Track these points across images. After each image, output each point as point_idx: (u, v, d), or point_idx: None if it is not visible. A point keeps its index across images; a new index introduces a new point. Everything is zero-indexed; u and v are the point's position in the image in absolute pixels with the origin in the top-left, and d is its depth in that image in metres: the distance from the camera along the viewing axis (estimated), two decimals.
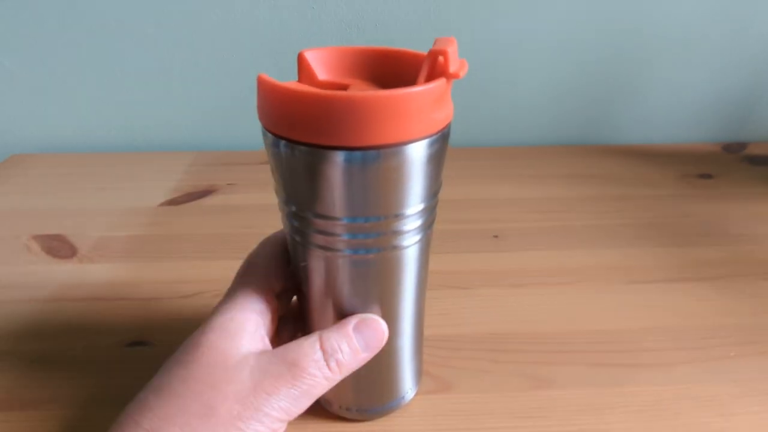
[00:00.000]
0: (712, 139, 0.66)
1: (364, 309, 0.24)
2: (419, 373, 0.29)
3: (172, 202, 0.51)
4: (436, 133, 0.20)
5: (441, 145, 0.21)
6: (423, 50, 0.22)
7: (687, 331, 0.34)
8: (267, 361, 0.22)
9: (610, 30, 0.59)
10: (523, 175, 0.56)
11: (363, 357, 0.23)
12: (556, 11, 0.58)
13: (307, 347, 0.22)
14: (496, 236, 0.45)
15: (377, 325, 0.23)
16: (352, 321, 0.23)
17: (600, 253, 0.43)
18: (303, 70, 0.23)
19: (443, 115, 0.21)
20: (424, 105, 0.19)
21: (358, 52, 0.24)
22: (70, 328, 0.35)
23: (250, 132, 0.64)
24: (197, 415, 0.20)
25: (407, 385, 0.28)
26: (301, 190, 0.21)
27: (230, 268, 0.26)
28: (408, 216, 0.21)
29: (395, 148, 0.19)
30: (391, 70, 0.24)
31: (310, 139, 0.19)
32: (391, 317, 0.24)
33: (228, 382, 0.21)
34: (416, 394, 0.29)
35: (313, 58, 0.23)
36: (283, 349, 0.22)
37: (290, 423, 0.22)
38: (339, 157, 0.19)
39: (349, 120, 0.18)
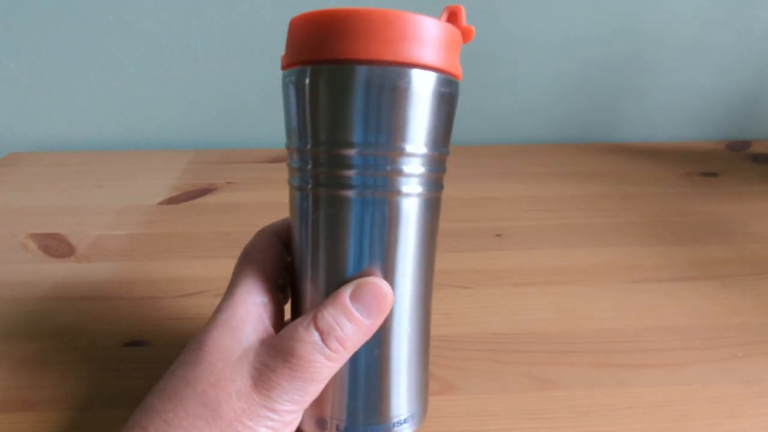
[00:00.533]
0: (716, 138, 0.65)
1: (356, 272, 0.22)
2: (419, 401, 0.25)
3: (172, 200, 0.51)
4: (447, 74, 0.21)
5: (449, 91, 0.22)
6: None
7: (693, 330, 0.34)
8: (265, 353, 0.21)
9: (614, 28, 0.59)
10: (526, 174, 0.56)
11: (368, 325, 0.21)
12: (561, 10, 0.58)
13: (302, 331, 0.21)
14: (499, 235, 0.45)
15: (376, 286, 0.21)
16: (347, 289, 0.21)
17: (604, 252, 0.42)
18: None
19: (454, 63, 0.22)
20: (438, 37, 0.21)
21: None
22: (67, 328, 0.34)
23: (249, 130, 0.64)
24: (202, 416, 0.20)
25: (400, 406, 0.24)
26: (319, 118, 0.21)
27: (229, 266, 0.26)
28: (410, 154, 0.21)
29: (410, 68, 0.20)
30: None
31: (337, 56, 0.20)
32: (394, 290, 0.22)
33: (230, 380, 0.20)
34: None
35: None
36: (279, 336, 0.21)
37: None
38: (360, 72, 0.20)
39: (373, 32, 0.20)
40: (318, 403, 0.23)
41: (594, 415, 0.28)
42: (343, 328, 0.21)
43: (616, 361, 0.31)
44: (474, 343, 0.33)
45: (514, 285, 0.38)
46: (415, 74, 0.20)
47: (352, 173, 0.21)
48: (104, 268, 0.41)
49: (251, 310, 0.22)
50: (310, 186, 0.22)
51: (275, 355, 0.21)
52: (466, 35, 0.22)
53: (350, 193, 0.21)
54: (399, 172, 0.21)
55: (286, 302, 0.27)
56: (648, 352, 0.32)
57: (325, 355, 0.20)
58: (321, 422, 0.23)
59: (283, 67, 0.23)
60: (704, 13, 0.58)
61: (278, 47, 0.62)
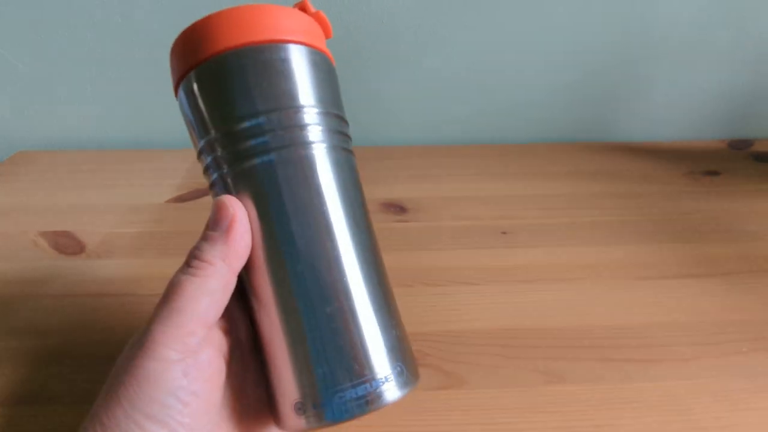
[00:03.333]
0: (718, 137, 0.66)
1: (298, 234, 0.22)
2: (399, 352, 0.22)
3: (179, 198, 0.51)
4: (305, 45, 0.24)
5: (314, 58, 0.24)
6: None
7: (698, 326, 0.34)
8: None
9: (616, 28, 0.59)
10: (530, 173, 0.56)
11: (222, 238, 0.22)
12: (562, 9, 0.58)
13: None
14: (504, 233, 0.45)
15: (214, 203, 0.23)
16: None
17: (608, 250, 0.43)
18: None
19: (309, 36, 0.25)
20: (281, 16, 0.24)
21: None
22: (78, 324, 0.35)
23: None
24: (110, 376, 0.21)
25: (375, 357, 0.21)
26: (212, 107, 0.23)
27: None
28: (302, 110, 0.23)
29: (270, 44, 0.23)
30: None
31: (208, 52, 0.23)
32: (315, 240, 0.22)
33: (132, 338, 0.21)
34: (415, 389, 0.23)
35: None
36: None
37: None
38: (239, 55, 0.23)
39: (226, 26, 0.23)
40: (288, 387, 0.22)
41: (601, 409, 0.28)
42: (200, 247, 0.22)
43: (622, 357, 0.32)
44: (482, 339, 0.33)
45: (521, 282, 0.39)
46: (275, 47, 0.23)
47: (253, 141, 0.22)
48: (114, 265, 0.41)
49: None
50: (225, 170, 0.23)
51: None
52: (320, 21, 0.26)
53: (258, 160, 0.22)
54: (294, 127, 0.23)
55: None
56: (653, 348, 0.33)
57: (186, 272, 0.21)
58: (297, 405, 0.21)
59: (176, 92, 0.25)
60: (705, 12, 0.59)
61: None
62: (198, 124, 0.24)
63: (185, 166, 0.57)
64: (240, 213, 0.22)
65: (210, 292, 0.21)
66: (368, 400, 0.21)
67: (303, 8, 0.26)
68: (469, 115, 0.64)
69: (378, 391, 0.21)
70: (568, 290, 0.38)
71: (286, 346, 0.22)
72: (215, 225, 0.22)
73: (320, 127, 0.23)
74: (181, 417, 0.20)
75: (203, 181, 0.56)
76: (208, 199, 0.50)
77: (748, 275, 0.40)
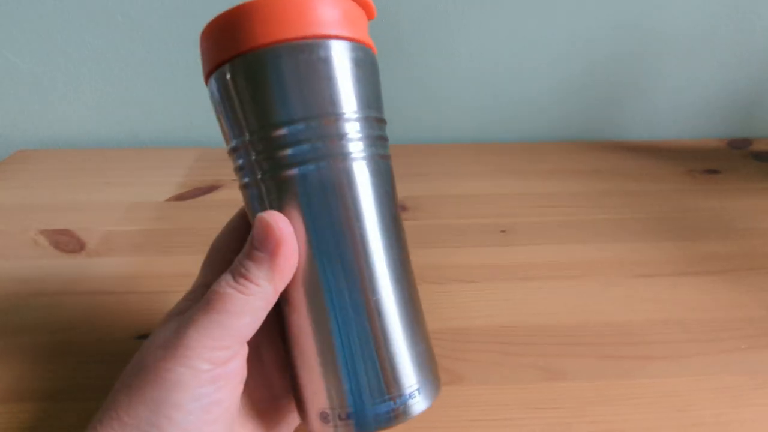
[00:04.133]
0: (718, 136, 0.66)
1: (332, 253, 0.22)
2: (425, 368, 0.23)
3: (179, 197, 0.51)
4: (354, 41, 0.22)
5: (359, 55, 0.22)
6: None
7: (697, 323, 0.34)
8: (194, 307, 0.21)
9: (617, 27, 0.59)
10: (531, 171, 0.56)
11: (268, 260, 0.21)
12: (563, 8, 0.58)
13: (222, 275, 0.22)
14: (503, 231, 0.45)
15: (262, 219, 0.21)
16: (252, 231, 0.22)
17: (607, 248, 0.43)
18: None
19: (357, 31, 0.23)
20: (338, 9, 0.22)
21: None
22: (80, 321, 0.35)
23: None
24: (132, 373, 0.20)
25: (404, 377, 0.22)
26: (246, 108, 0.22)
27: None
28: (343, 119, 0.22)
29: (316, 40, 0.21)
30: None
31: (246, 47, 0.21)
32: (352, 262, 0.22)
33: (160, 335, 0.21)
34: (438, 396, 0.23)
35: None
36: None
37: None
38: (270, 53, 0.21)
39: (271, 17, 0.21)
40: (316, 396, 0.22)
41: (600, 406, 0.28)
42: (245, 265, 0.21)
43: (621, 353, 0.32)
44: (481, 336, 0.33)
45: (520, 279, 0.39)
46: (320, 43, 0.21)
47: (291, 150, 0.21)
48: (114, 263, 0.41)
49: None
50: (258, 176, 0.22)
51: (201, 301, 0.21)
52: (366, 8, 0.24)
53: (295, 171, 0.21)
54: (336, 137, 0.22)
55: None
56: (653, 345, 0.33)
57: (233, 287, 0.21)
58: (323, 416, 0.22)
59: (206, 80, 0.23)
60: (706, 11, 0.59)
61: None
62: (231, 123, 0.22)
63: (185, 165, 0.57)
64: (287, 233, 0.21)
65: (253, 311, 0.21)
66: (395, 415, 0.22)
67: None
68: (469, 114, 0.64)
69: (405, 406, 0.22)
70: (568, 288, 0.38)
71: (316, 358, 0.22)
72: (261, 245, 0.21)
73: (361, 134, 0.22)
74: (201, 423, 0.20)
75: (203, 180, 0.56)
76: (209, 198, 0.51)
77: (747, 273, 0.40)
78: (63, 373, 0.31)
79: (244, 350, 0.22)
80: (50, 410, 0.28)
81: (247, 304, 0.21)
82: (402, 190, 0.52)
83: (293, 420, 0.26)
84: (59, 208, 0.49)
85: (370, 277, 0.22)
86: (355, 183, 0.22)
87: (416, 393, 0.22)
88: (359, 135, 0.22)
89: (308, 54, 0.21)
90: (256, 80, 0.21)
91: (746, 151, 0.61)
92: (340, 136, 0.22)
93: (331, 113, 0.21)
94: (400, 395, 0.22)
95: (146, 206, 0.49)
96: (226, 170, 0.56)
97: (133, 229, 0.46)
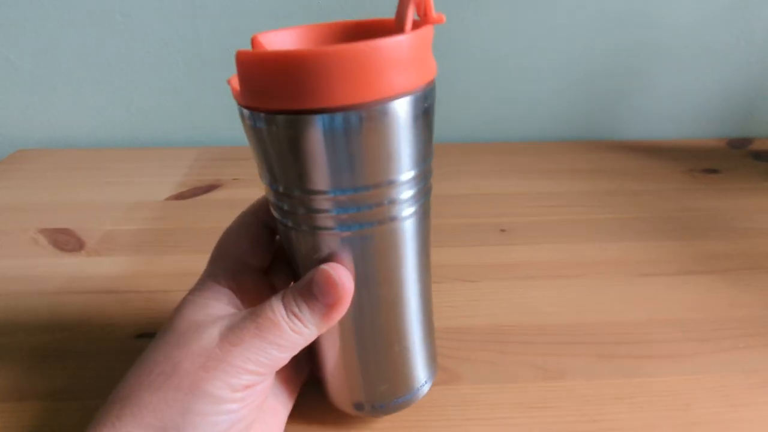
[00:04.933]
0: (717, 135, 0.66)
1: (364, 293, 0.22)
2: (433, 364, 0.27)
3: (179, 196, 0.51)
4: (425, 86, 0.19)
5: (430, 101, 0.20)
6: None
7: (695, 323, 0.34)
8: (236, 318, 0.22)
9: (616, 26, 0.59)
10: (529, 171, 0.56)
11: (321, 307, 0.22)
12: (563, 7, 0.58)
13: (273, 300, 0.22)
14: (503, 230, 0.45)
15: (326, 273, 0.21)
16: (310, 275, 0.22)
17: (607, 247, 0.43)
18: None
19: (429, 66, 0.20)
20: (412, 54, 0.18)
21: (319, 30, 0.23)
22: (80, 320, 0.35)
23: None
24: (164, 373, 0.20)
25: (421, 376, 0.26)
26: (285, 166, 0.19)
27: None
28: (399, 184, 0.20)
29: (381, 105, 0.18)
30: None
31: (290, 106, 0.18)
32: (395, 298, 0.23)
33: (196, 340, 0.21)
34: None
35: (269, 41, 0.22)
36: (254, 307, 0.22)
37: (301, 421, 0.22)
38: (320, 121, 0.18)
39: (335, 76, 0.17)
40: (353, 391, 0.26)
41: (598, 404, 0.29)
42: (299, 305, 0.22)
43: (619, 353, 0.32)
44: (479, 335, 0.33)
45: (519, 279, 0.39)
46: (387, 108, 0.18)
47: (334, 220, 0.20)
48: (114, 262, 0.41)
49: (221, 291, 0.23)
50: (290, 224, 0.22)
51: (247, 317, 0.21)
52: (441, 17, 0.19)
53: (336, 235, 0.21)
54: (386, 204, 0.20)
55: (281, 284, 0.27)
56: (651, 344, 0.33)
57: (287, 323, 0.21)
58: (358, 405, 0.26)
59: (238, 101, 0.20)
60: (706, 12, 0.59)
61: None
62: (275, 169, 0.20)
63: (185, 164, 0.58)
64: (348, 291, 0.22)
65: (295, 348, 0.22)
66: (409, 401, 0.27)
67: (425, 17, 0.19)
68: (468, 114, 0.64)
69: (417, 395, 0.27)
70: (567, 287, 0.38)
71: (356, 366, 0.25)
72: (321, 296, 0.22)
73: (411, 193, 0.21)
74: None
75: (203, 179, 0.56)
76: (208, 197, 0.51)
77: (746, 272, 0.40)
78: (64, 371, 0.31)
79: (273, 375, 0.23)
80: (51, 409, 0.29)
81: (293, 341, 0.22)
82: None
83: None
84: (59, 207, 0.49)
85: (408, 308, 0.24)
86: (398, 242, 0.22)
87: (425, 384, 0.27)
88: (410, 194, 0.21)
89: (363, 122, 0.18)
90: (298, 144, 0.18)
91: (746, 150, 0.61)
92: (389, 203, 0.20)
93: (383, 183, 0.20)
94: (416, 388, 0.26)
95: (146, 205, 0.49)
96: (225, 170, 0.56)
97: (132, 229, 0.46)
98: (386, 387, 0.26)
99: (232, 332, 0.21)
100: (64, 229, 0.45)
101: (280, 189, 0.20)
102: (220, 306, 0.23)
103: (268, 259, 0.26)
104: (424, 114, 0.20)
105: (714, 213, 0.48)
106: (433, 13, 0.19)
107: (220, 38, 0.59)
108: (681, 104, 0.64)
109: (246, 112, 0.19)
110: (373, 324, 0.24)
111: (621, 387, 0.30)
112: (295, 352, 0.22)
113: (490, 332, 0.34)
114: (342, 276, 0.21)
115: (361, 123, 0.18)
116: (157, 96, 0.62)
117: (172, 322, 0.22)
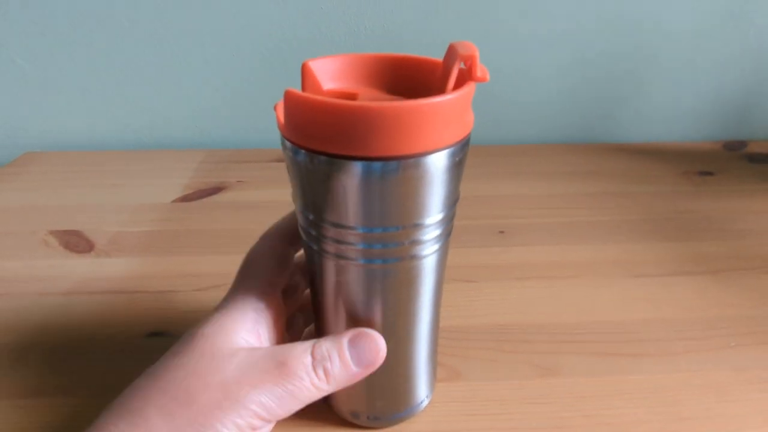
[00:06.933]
0: (713, 138, 0.67)
1: (378, 319, 0.23)
2: (433, 380, 0.29)
3: (185, 198, 0.52)
4: (461, 141, 0.20)
5: (464, 153, 0.21)
6: (430, 54, 0.23)
7: (688, 322, 0.36)
8: (257, 356, 0.22)
9: (613, 30, 0.60)
10: (528, 173, 0.57)
11: (354, 372, 0.23)
12: (560, 11, 0.59)
13: (299, 350, 0.22)
14: (502, 232, 0.46)
15: (373, 341, 0.23)
16: (350, 333, 0.23)
17: (603, 248, 0.44)
18: (307, 79, 0.23)
19: (467, 121, 0.21)
20: (452, 113, 0.19)
21: (364, 60, 0.24)
22: (91, 320, 0.36)
23: (259, 131, 0.65)
24: (178, 400, 0.20)
25: (422, 393, 0.27)
26: (319, 199, 0.21)
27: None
28: (426, 226, 0.21)
29: (418, 158, 0.19)
30: (400, 77, 0.24)
31: (332, 150, 0.19)
32: (407, 327, 0.24)
33: (214, 372, 0.21)
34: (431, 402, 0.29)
35: (318, 67, 0.23)
36: (276, 348, 0.22)
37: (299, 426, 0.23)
38: (359, 167, 0.19)
39: (377, 130, 0.18)
40: (352, 400, 0.27)
41: (593, 401, 0.30)
42: (333, 363, 0.22)
43: (614, 351, 0.33)
44: (478, 334, 0.35)
45: (517, 279, 0.40)
46: (425, 161, 0.19)
47: (360, 252, 0.21)
48: (123, 263, 0.42)
49: (247, 315, 0.23)
50: (315, 248, 0.23)
51: (269, 360, 0.21)
52: (485, 77, 0.20)
53: (356, 264, 0.22)
54: (410, 243, 0.21)
55: (292, 310, 0.28)
56: (645, 342, 0.34)
57: (310, 378, 0.22)
58: (354, 414, 0.27)
59: (282, 134, 0.21)
60: (701, 18, 0.60)
61: (287, 48, 0.63)
62: (309, 200, 0.21)
63: (191, 167, 0.59)
64: (383, 358, 0.23)
65: (309, 400, 0.22)
66: (406, 416, 0.28)
67: (469, 72, 0.20)
68: None
69: (415, 410, 0.28)
70: (563, 287, 0.39)
71: (359, 383, 0.24)
72: (358, 359, 0.22)
73: (437, 233, 0.22)
74: None
75: (208, 181, 0.57)
76: (213, 200, 0.52)
77: (738, 273, 0.41)
78: (78, 369, 0.32)
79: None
80: (67, 405, 0.29)
81: (310, 396, 0.22)
82: None
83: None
84: (67, 209, 0.50)
85: (419, 333, 0.25)
86: (416, 278, 0.23)
87: (424, 399, 0.28)
88: (434, 235, 0.22)
89: (403, 172, 0.19)
90: (336, 184, 0.20)
91: (741, 153, 0.62)
92: (415, 241, 0.21)
93: (411, 225, 0.21)
94: (416, 405, 0.28)
95: (153, 207, 0.50)
96: (229, 172, 0.58)
97: (140, 230, 0.47)
98: (385, 403, 0.27)
99: (252, 373, 0.21)
100: (74, 230, 0.47)
101: (311, 217, 0.22)
102: (242, 333, 0.23)
103: (287, 278, 0.27)
104: (457, 165, 0.21)
105: (709, 215, 0.49)
106: (478, 71, 0.20)
107: (224, 43, 0.60)
108: (677, 107, 0.65)
109: (288, 144, 0.21)
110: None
111: (616, 384, 0.31)
112: (306, 404, 0.22)
113: (489, 331, 0.35)
114: (382, 342, 0.23)
115: (396, 173, 0.19)
116: (163, 99, 0.63)
117: (192, 340, 0.22)
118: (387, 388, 0.26)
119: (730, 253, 0.43)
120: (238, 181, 0.56)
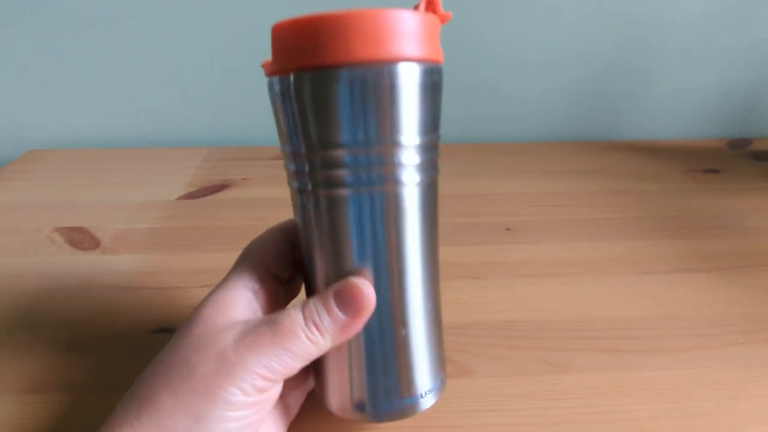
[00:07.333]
0: (718, 136, 0.67)
1: (369, 265, 0.23)
2: (439, 374, 0.26)
3: (189, 196, 0.52)
4: (430, 62, 0.22)
5: (435, 79, 0.22)
6: None
7: (696, 319, 0.36)
8: (252, 323, 0.22)
9: (618, 27, 0.60)
10: (534, 171, 0.57)
11: (344, 320, 0.22)
12: (565, 9, 0.59)
13: (291, 310, 0.22)
14: (508, 229, 0.46)
15: (357, 287, 0.22)
16: (334, 285, 0.23)
17: (609, 245, 0.44)
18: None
19: (435, 50, 0.22)
20: (418, 29, 0.21)
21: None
22: (98, 316, 0.36)
23: (263, 128, 0.65)
24: (179, 375, 0.21)
25: (426, 381, 0.25)
26: (308, 122, 0.22)
27: None
28: (404, 146, 0.22)
29: (392, 64, 0.21)
30: None
31: (318, 62, 0.20)
32: (401, 272, 0.24)
33: (212, 344, 0.21)
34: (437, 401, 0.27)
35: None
36: (270, 315, 0.23)
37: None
38: (343, 73, 0.20)
39: (355, 33, 0.20)
40: (355, 385, 0.25)
41: (603, 397, 0.30)
42: (321, 317, 0.22)
43: (623, 347, 0.33)
44: (487, 330, 0.34)
45: (524, 276, 0.40)
46: (399, 69, 0.21)
47: (347, 172, 0.22)
48: (129, 260, 0.42)
49: (242, 294, 0.24)
50: (309, 188, 0.23)
51: (263, 323, 0.22)
52: (444, 20, 0.23)
53: (348, 192, 0.22)
54: (394, 165, 0.22)
55: (291, 296, 0.28)
56: (653, 339, 0.34)
57: (305, 333, 0.22)
58: (359, 405, 0.25)
59: (268, 74, 0.23)
60: (706, 13, 0.60)
61: None
62: (289, 129, 0.23)
63: (194, 164, 0.58)
64: (372, 303, 0.23)
65: (308, 357, 0.22)
66: (412, 409, 0.25)
67: (432, 9, 0.22)
68: (472, 114, 0.65)
69: (416, 404, 0.26)
70: (571, 284, 0.39)
71: (360, 349, 0.24)
72: (344, 308, 0.22)
73: (418, 160, 0.22)
74: None
75: (212, 179, 0.57)
76: (217, 197, 0.52)
77: (744, 270, 0.41)
78: (84, 366, 0.32)
79: (282, 382, 0.23)
80: (73, 401, 0.29)
81: (308, 351, 0.22)
82: None
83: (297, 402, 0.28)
84: (71, 207, 0.50)
85: (412, 292, 0.24)
86: (405, 209, 0.23)
87: (428, 393, 0.26)
88: (417, 161, 0.22)
89: (382, 78, 0.21)
90: (319, 96, 0.21)
91: (745, 151, 0.62)
92: (397, 164, 0.22)
93: (391, 141, 0.22)
94: (414, 395, 0.25)
95: (157, 205, 0.50)
96: (233, 169, 0.57)
97: (145, 228, 0.47)
98: (390, 382, 0.25)
99: (247, 337, 0.21)
100: (79, 227, 0.46)
101: (302, 150, 0.22)
102: (238, 309, 0.23)
103: (288, 273, 0.27)
104: (432, 87, 0.22)
105: (714, 212, 0.49)
106: (441, 10, 0.22)
107: (227, 41, 0.60)
108: (682, 105, 0.66)
109: (276, 79, 0.22)
110: (381, 298, 0.23)
111: (624, 380, 0.31)
112: (308, 361, 0.23)
113: (498, 328, 0.35)
114: (368, 288, 0.22)
115: (376, 79, 0.21)
116: (166, 97, 0.63)
117: (191, 322, 0.23)
118: (389, 357, 0.25)
119: (736, 250, 0.43)
120: (242, 179, 0.56)
